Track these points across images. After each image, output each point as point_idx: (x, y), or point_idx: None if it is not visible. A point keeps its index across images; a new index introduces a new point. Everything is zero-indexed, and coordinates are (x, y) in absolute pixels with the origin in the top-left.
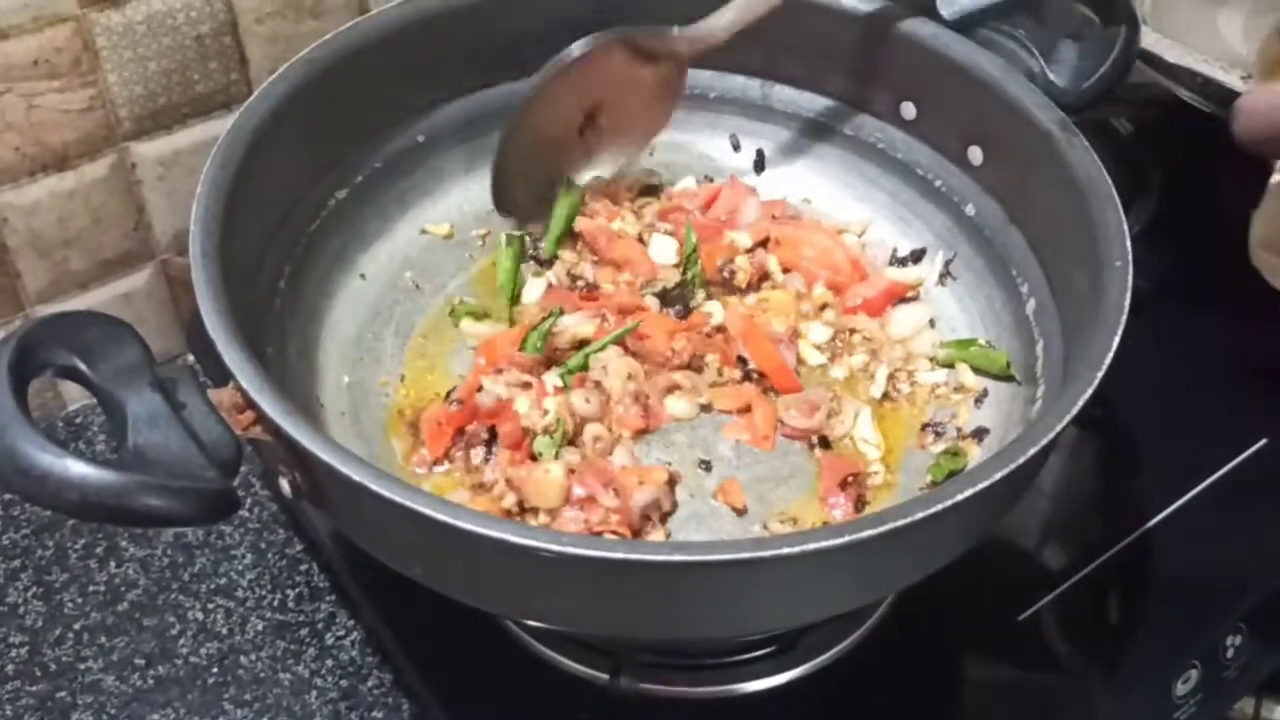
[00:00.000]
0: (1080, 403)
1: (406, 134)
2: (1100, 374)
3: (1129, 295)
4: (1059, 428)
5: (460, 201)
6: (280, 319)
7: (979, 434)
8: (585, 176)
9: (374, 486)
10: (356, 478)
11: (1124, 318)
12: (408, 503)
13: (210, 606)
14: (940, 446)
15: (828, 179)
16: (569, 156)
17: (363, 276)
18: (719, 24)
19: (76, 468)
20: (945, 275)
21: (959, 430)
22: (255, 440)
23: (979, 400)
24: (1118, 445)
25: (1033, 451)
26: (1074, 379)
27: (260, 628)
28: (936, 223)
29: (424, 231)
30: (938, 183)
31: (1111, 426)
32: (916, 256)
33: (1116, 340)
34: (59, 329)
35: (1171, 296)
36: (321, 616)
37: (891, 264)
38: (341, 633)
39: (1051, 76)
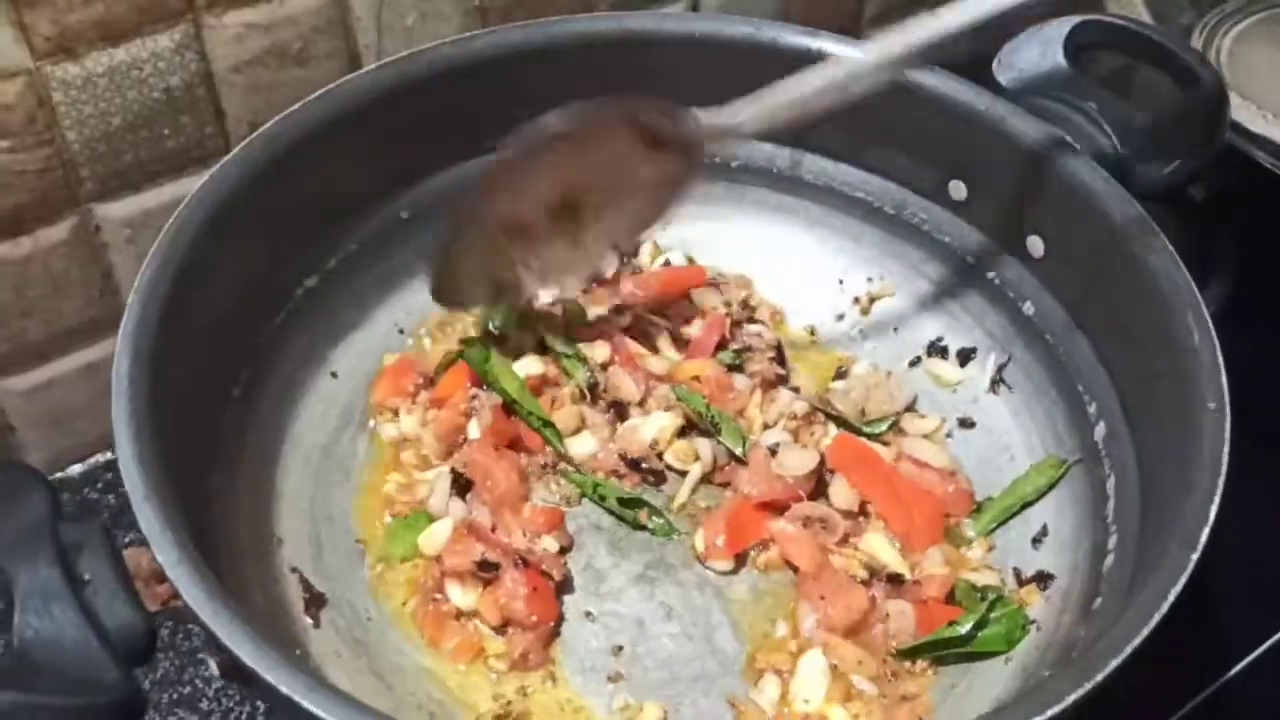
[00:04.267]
0: (1171, 597)
1: (387, 210)
2: (1195, 555)
3: (1227, 449)
4: (1145, 632)
5: None
6: (231, 438)
7: (1042, 580)
8: (546, 290)
9: (302, 701)
10: (284, 689)
11: (1221, 479)
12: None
13: None
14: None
15: (862, 262)
16: (532, 251)
17: (334, 375)
18: (742, 117)
19: None
20: (998, 381)
21: (1017, 574)
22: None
23: (1037, 541)
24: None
25: (1115, 664)
26: (1159, 560)
27: None
28: (989, 320)
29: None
30: (991, 274)
31: None
32: (964, 357)
33: (1213, 511)
34: None
35: (1253, 390)
36: None
37: (931, 355)
38: None
39: (1127, 160)
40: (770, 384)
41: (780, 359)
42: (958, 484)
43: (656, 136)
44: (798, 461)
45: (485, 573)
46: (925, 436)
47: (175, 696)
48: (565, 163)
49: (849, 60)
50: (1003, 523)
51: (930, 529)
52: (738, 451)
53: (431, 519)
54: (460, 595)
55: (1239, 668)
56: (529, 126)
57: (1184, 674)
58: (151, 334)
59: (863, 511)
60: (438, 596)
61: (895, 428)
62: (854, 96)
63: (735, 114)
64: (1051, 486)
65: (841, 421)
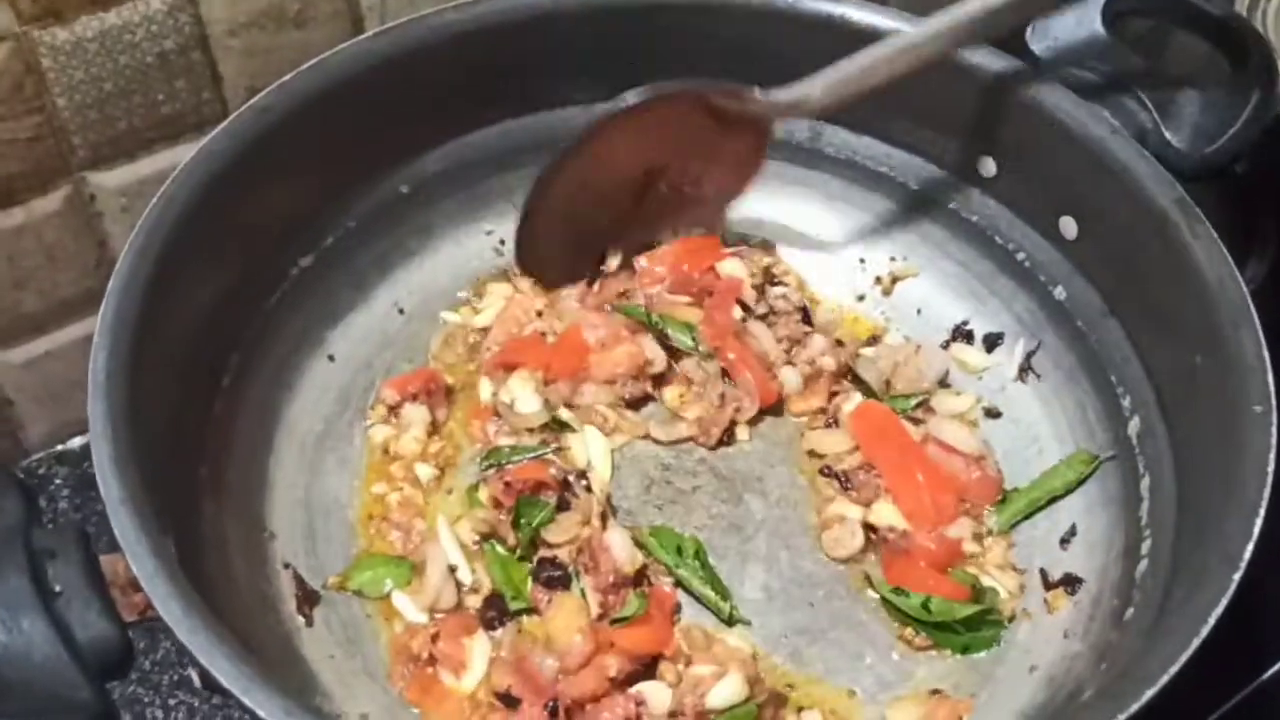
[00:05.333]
0: (1211, 619)
1: (387, 185)
2: (1238, 574)
3: (1274, 455)
4: (1184, 657)
5: (452, 261)
6: (221, 426)
7: (1070, 583)
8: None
9: None
10: (260, 712)
11: (1267, 491)
12: None
13: (172, 703)
14: None
15: (885, 240)
16: (620, 220)
17: (331, 358)
18: (810, 94)
19: None
20: (1026, 370)
21: (1044, 575)
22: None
23: (1065, 541)
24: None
25: (1151, 693)
26: (1199, 576)
27: None
28: (1018, 304)
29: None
30: (1020, 255)
31: None
32: (991, 342)
33: (1258, 526)
34: None
35: None
36: None
37: (956, 339)
38: None
39: (1168, 136)
40: (799, 343)
41: (807, 319)
42: (984, 470)
43: (726, 115)
44: (832, 444)
45: (506, 705)
46: (956, 417)
47: (175, 679)
48: (644, 138)
49: (910, 33)
50: (1028, 517)
51: (940, 516)
52: (686, 346)
53: (414, 568)
54: (456, 682)
55: (1276, 669)
56: (607, 105)
57: (1218, 676)
58: (132, 325)
59: None
60: (429, 670)
61: (924, 405)
62: (915, 69)
63: (801, 90)
64: (1081, 482)
65: (867, 391)
